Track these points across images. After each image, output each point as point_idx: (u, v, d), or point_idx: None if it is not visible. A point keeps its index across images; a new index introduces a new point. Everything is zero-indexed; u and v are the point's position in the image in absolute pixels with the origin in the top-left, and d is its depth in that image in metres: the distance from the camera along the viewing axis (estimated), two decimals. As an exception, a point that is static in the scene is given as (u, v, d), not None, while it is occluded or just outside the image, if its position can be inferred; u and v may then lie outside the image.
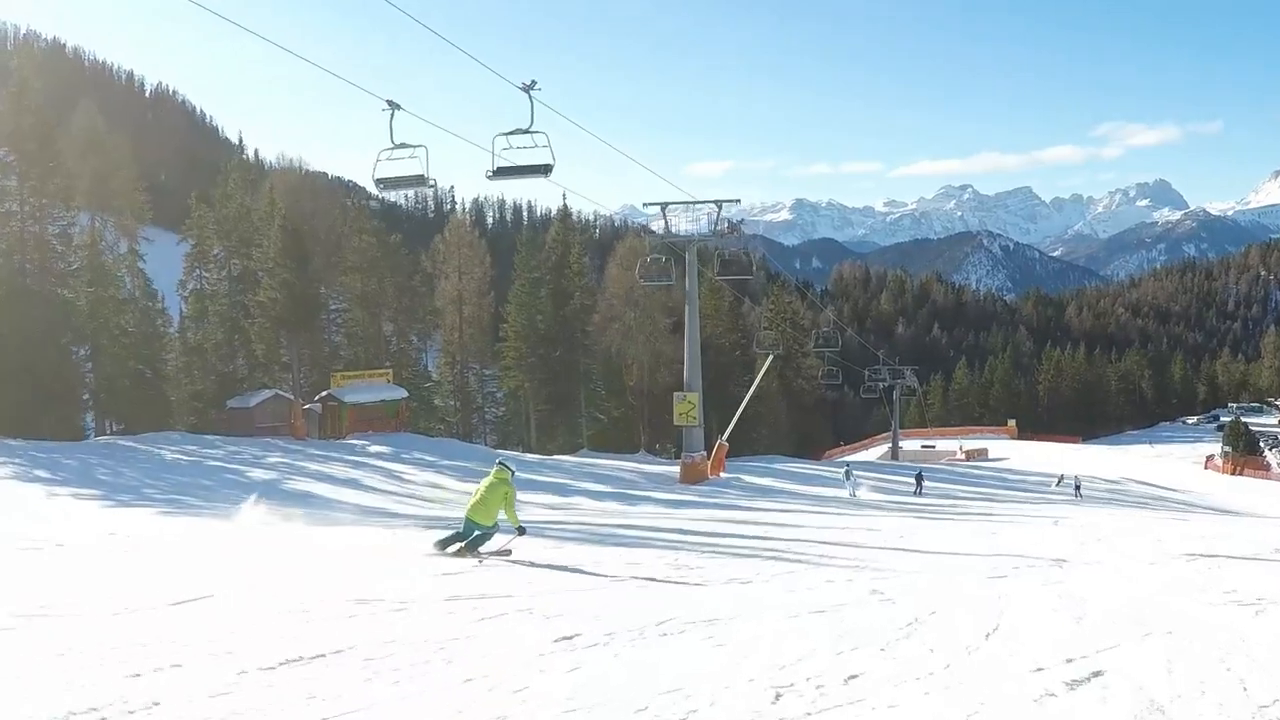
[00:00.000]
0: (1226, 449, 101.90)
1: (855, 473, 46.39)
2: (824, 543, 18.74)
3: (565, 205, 75.44)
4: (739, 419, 51.98)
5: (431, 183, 24.51)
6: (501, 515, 14.17)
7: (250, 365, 58.18)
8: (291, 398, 52.92)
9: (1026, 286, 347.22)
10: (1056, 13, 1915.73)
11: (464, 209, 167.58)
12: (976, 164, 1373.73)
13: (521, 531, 14.27)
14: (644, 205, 46.08)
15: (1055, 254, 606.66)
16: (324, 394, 53.60)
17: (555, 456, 52.93)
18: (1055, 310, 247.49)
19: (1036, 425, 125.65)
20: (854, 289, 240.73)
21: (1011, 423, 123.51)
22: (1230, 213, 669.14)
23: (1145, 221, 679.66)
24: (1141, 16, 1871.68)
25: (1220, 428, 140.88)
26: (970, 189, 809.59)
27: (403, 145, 23.75)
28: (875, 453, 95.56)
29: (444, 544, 14.24)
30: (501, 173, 24.96)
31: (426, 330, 70.28)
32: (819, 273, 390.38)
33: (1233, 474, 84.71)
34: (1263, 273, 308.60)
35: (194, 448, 41.23)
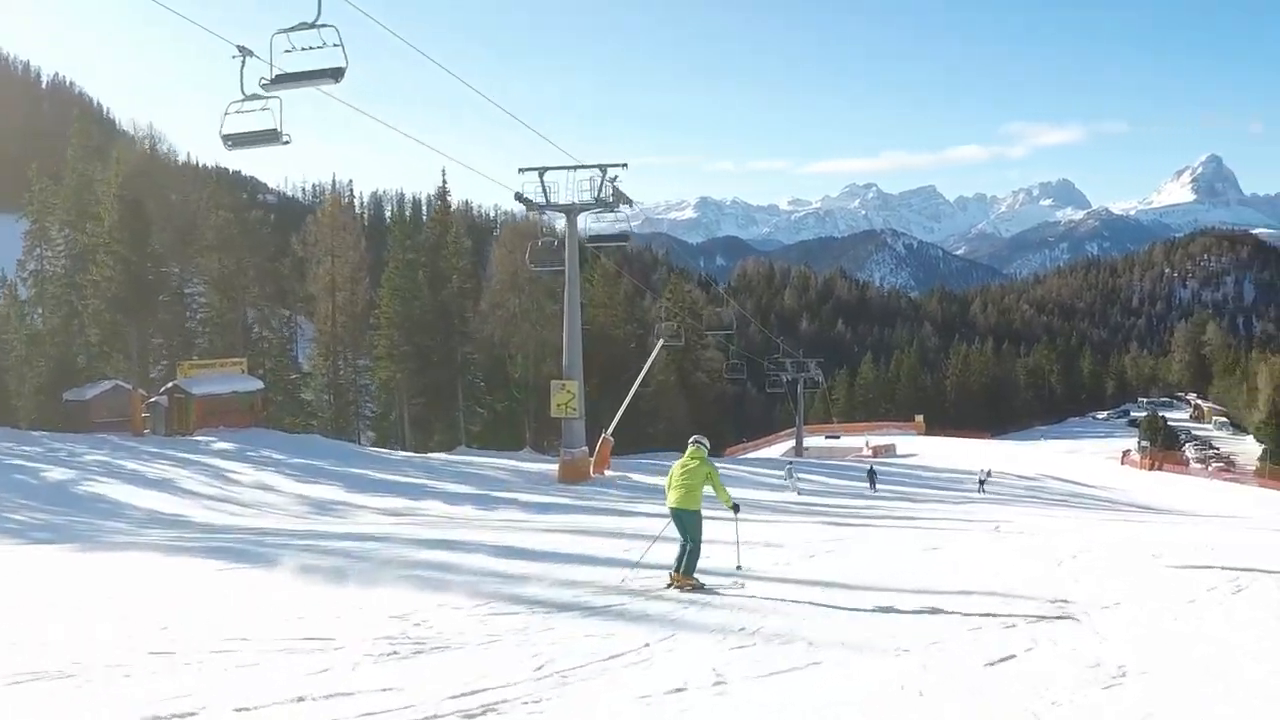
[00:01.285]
0: (1144, 444, 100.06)
1: (797, 472, 44.10)
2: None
3: (444, 184, 69.28)
4: (626, 411, 47.25)
5: (286, 139, 20.88)
6: (708, 492, 12.35)
7: (89, 354, 52.39)
8: (131, 389, 47.26)
9: (930, 285, 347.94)
10: (964, 13, 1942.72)
11: (363, 203, 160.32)
12: (882, 162, 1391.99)
13: (736, 509, 12.81)
14: (519, 171, 40.81)
15: (959, 252, 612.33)
16: (170, 385, 47.98)
17: (427, 455, 48.06)
18: (960, 307, 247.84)
19: (945, 421, 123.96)
20: (758, 285, 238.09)
21: (920, 418, 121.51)
22: (1133, 212, 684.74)
23: (1048, 221, 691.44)
24: (1049, 17, 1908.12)
25: (1132, 423, 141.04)
26: (875, 187, 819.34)
27: (254, 97, 20.34)
28: (780, 449, 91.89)
29: (685, 576, 12.09)
30: (281, 80, 20.18)
31: (293, 318, 64.84)
32: (723, 270, 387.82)
33: (1151, 469, 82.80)
34: (1167, 270, 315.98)
35: (10, 444, 35.82)
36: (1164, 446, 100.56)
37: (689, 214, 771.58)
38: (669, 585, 11.93)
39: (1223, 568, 13.60)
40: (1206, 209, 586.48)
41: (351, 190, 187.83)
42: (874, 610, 10.65)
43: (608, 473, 42.00)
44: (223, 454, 38.70)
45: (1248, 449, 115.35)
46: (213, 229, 57.12)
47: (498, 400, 65.53)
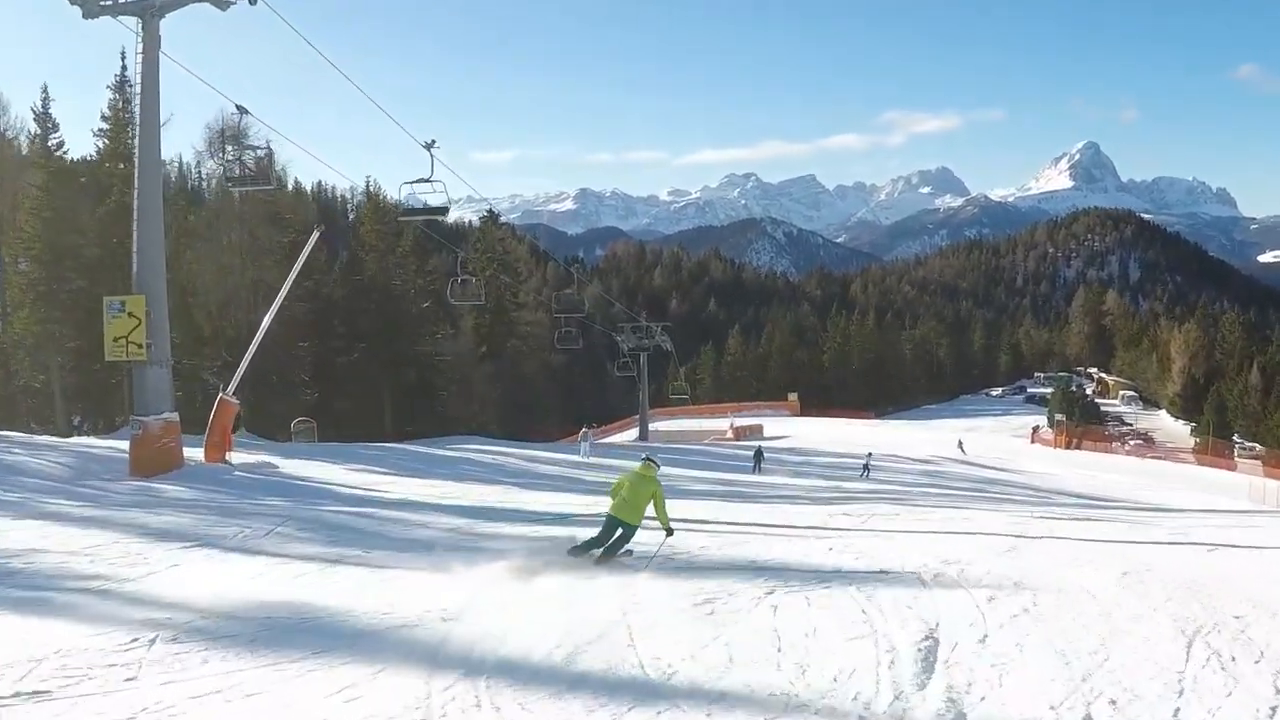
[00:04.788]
0: (1059, 418, 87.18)
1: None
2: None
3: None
4: (254, 357, 29.69)
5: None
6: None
7: None
8: None
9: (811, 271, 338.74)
10: (839, 2, 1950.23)
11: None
12: (762, 152, 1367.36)
13: (670, 533, 12.90)
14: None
15: (839, 240, 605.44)
16: None
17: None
18: (840, 287, 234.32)
19: (823, 400, 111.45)
20: (627, 265, 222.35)
21: (793, 397, 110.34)
22: (1011, 199, 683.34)
23: (927, 208, 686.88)
24: (926, 5, 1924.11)
25: (1030, 399, 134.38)
26: (755, 177, 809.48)
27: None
28: (631, 435, 76.57)
29: (581, 550, 12.62)
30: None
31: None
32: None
33: (1067, 447, 70.94)
34: (1050, 249, 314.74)
35: None
36: (1083, 421, 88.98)
37: (568, 205, 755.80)
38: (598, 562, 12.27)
39: None
40: (1084, 195, 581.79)
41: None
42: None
43: (233, 459, 24.98)
44: None
45: (1164, 425, 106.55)
46: None
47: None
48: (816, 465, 48.59)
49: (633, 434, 75.53)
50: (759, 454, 45.23)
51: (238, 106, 27.42)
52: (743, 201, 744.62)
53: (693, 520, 16.68)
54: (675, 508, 14.21)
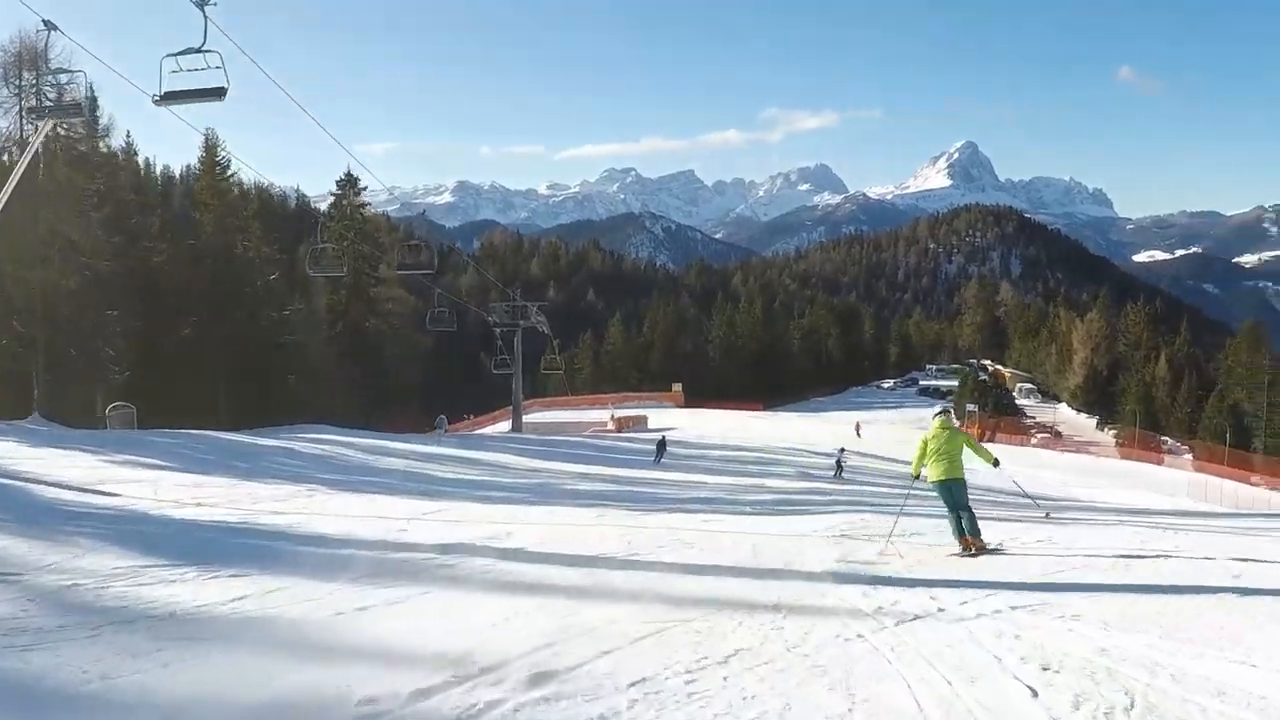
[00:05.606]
0: (971, 408, 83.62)
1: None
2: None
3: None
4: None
5: None
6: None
7: None
8: None
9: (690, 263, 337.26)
10: None
11: None
12: (642, 147, 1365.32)
13: (997, 464, 12.78)
14: None
15: (717, 236, 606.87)
16: None
17: None
18: (720, 279, 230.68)
19: (709, 391, 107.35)
20: (504, 254, 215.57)
21: (677, 387, 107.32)
22: (890, 197, 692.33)
23: (806, 205, 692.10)
24: (807, 3, 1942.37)
25: (923, 391, 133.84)
26: (634, 172, 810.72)
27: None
28: (504, 427, 70.82)
29: (975, 539, 11.84)
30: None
31: None
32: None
33: (981, 439, 66.83)
34: (932, 245, 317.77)
35: None
36: (997, 411, 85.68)
37: (447, 198, 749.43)
38: (964, 552, 11.67)
39: None
40: (962, 194, 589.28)
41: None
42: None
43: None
44: None
45: (1066, 418, 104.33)
46: None
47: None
48: (711, 459, 44.06)
49: (506, 425, 69.53)
50: (662, 444, 43.27)
51: (45, 22, 23.75)
52: (622, 196, 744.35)
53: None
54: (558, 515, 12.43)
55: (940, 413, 12.93)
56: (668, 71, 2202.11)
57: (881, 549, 11.88)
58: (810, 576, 10.09)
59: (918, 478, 12.69)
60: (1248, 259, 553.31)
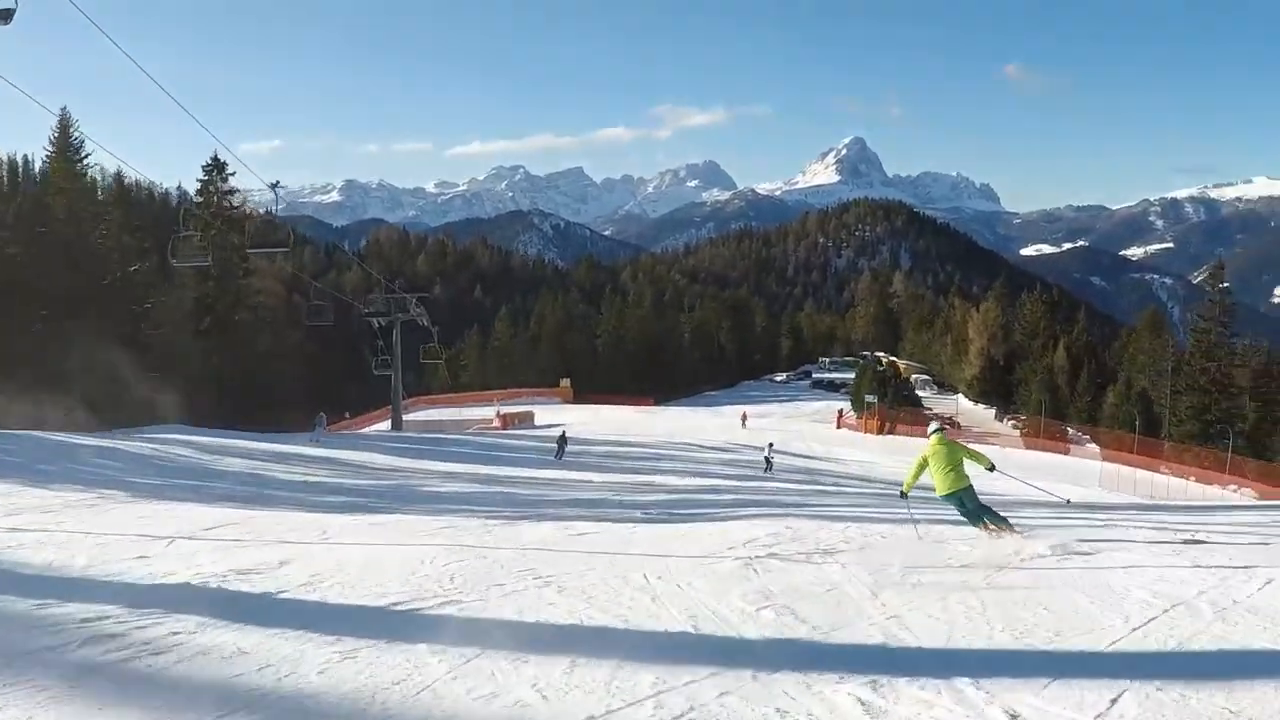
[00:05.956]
0: (871, 399, 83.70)
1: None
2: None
3: None
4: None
5: None
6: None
7: None
8: None
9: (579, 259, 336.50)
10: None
11: None
12: (531, 144, 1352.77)
13: (992, 468, 12.96)
14: None
15: (606, 233, 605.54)
16: None
17: None
18: (609, 275, 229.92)
19: (599, 387, 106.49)
20: (390, 251, 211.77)
21: (565, 383, 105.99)
22: (778, 193, 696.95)
23: (695, 201, 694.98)
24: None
25: (817, 384, 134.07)
26: (523, 170, 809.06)
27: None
28: (384, 425, 68.32)
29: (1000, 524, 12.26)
30: None
31: None
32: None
33: (880, 432, 70.10)
34: (821, 239, 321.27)
35: None
36: (898, 402, 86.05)
37: (334, 197, 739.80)
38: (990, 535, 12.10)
39: None
40: (851, 190, 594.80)
41: None
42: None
43: None
44: None
45: (963, 408, 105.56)
46: None
47: None
48: (595, 454, 44.01)
49: (387, 424, 67.30)
50: (563, 439, 43.32)
51: None
52: (510, 194, 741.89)
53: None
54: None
55: (936, 430, 13.16)
56: (557, 66, 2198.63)
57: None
58: (737, 657, 6.42)
59: (905, 495, 12.80)
60: (1134, 251, 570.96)
